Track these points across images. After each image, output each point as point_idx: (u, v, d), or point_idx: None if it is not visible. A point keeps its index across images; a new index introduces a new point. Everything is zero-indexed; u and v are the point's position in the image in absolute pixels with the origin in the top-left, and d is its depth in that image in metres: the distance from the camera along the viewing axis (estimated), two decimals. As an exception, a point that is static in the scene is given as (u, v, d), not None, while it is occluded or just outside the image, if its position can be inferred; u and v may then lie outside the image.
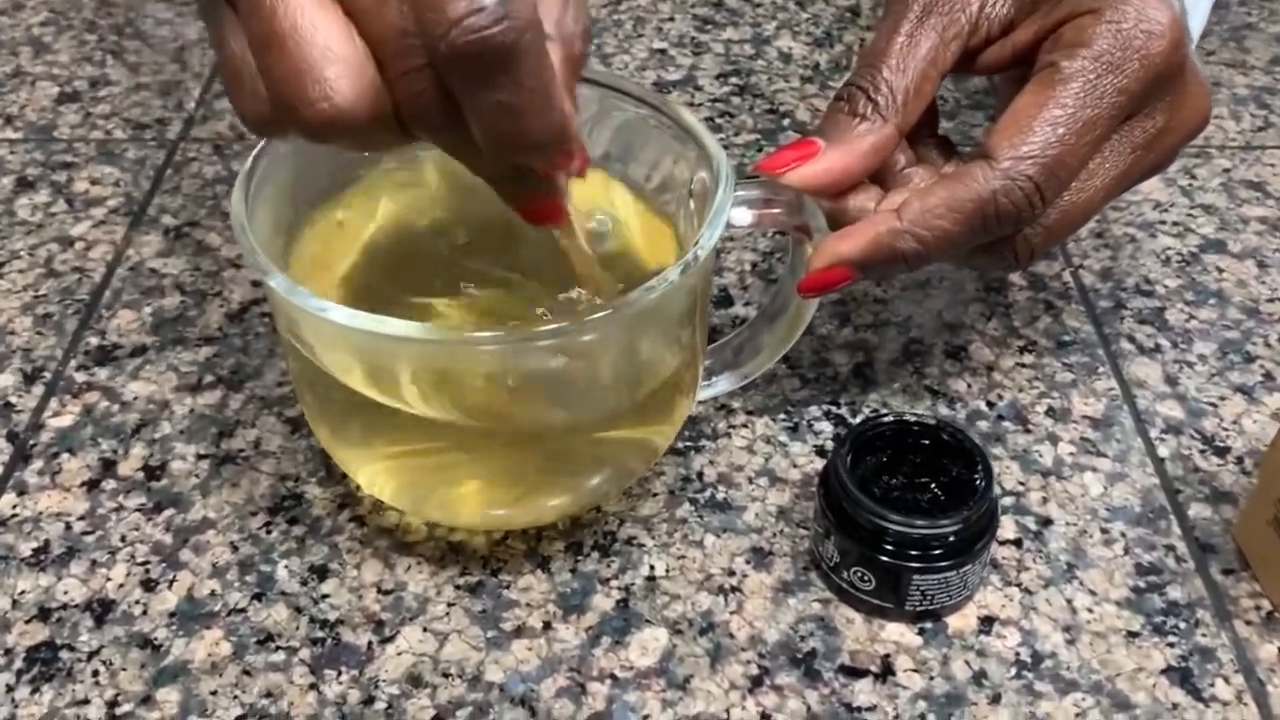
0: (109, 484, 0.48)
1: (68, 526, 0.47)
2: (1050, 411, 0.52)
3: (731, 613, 0.44)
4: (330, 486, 0.48)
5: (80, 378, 0.53)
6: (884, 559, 0.42)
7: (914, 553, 0.42)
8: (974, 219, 0.42)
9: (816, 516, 0.44)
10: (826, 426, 0.51)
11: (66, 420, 0.51)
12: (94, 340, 0.55)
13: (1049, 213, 0.44)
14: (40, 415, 0.51)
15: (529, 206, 0.37)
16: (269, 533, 0.47)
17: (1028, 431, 0.51)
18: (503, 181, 0.36)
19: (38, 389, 0.52)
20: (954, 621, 0.44)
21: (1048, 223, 0.44)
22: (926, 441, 0.45)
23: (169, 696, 0.41)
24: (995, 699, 0.41)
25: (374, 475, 0.44)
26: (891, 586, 0.43)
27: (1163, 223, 0.62)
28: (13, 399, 0.52)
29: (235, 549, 0.46)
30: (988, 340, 0.55)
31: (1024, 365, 0.54)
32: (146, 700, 0.41)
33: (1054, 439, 0.50)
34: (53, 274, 0.58)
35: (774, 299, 0.48)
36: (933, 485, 0.44)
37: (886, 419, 0.45)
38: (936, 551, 0.42)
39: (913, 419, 0.45)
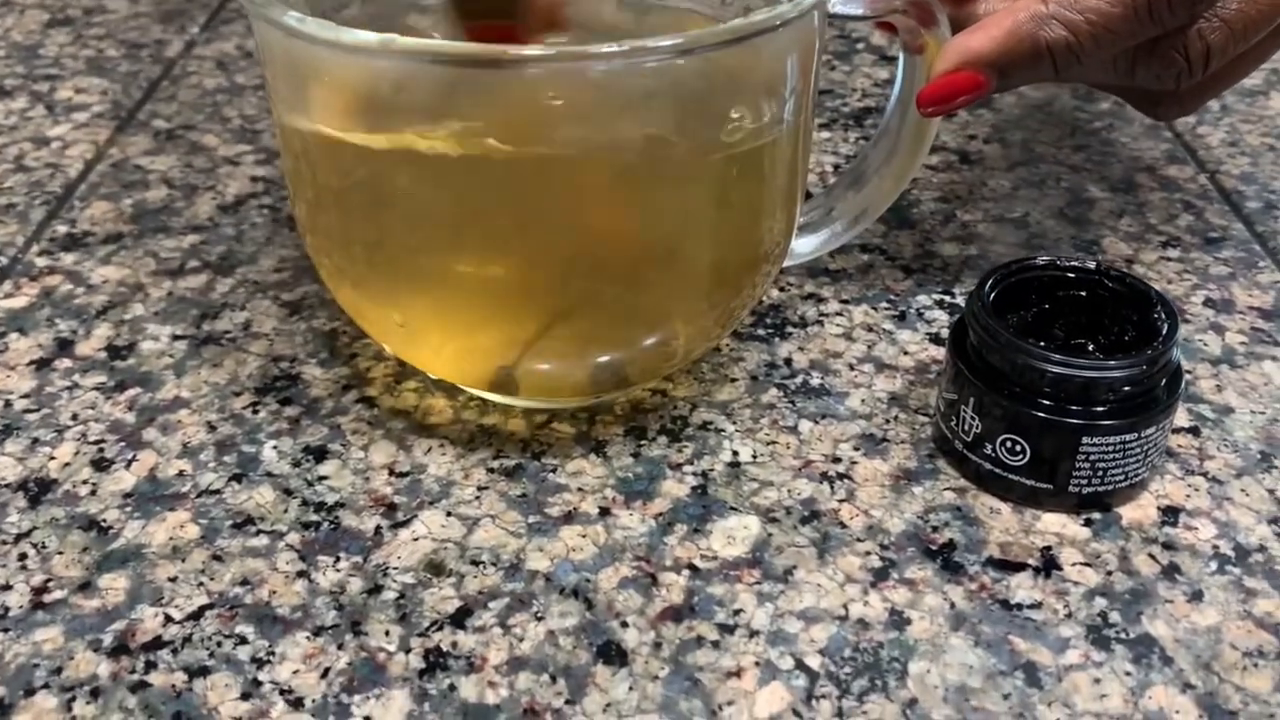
0: (63, 363, 0.39)
1: (6, 404, 0.38)
2: (1209, 303, 0.42)
3: (840, 501, 0.34)
4: (334, 367, 0.39)
5: (41, 262, 0.44)
6: (1041, 416, 0.33)
7: (1079, 407, 0.32)
8: None
9: (946, 383, 0.35)
10: (940, 315, 0.42)
11: (19, 302, 0.42)
12: (62, 229, 0.46)
13: (1229, 1, 0.35)
14: (-11, 298, 0.42)
15: None
16: (255, 413, 0.37)
17: (1186, 321, 0.42)
18: None
19: (-11, 273, 0.44)
20: (1127, 512, 0.34)
21: (1227, 13, 0.35)
22: (1084, 293, 0.36)
23: (114, 583, 0.32)
24: (1196, 595, 0.31)
25: (392, 316, 0.35)
26: (1050, 457, 0.33)
27: (1304, 135, 0.53)
28: (-42, 282, 0.43)
29: (212, 428, 0.37)
30: (1121, 235, 0.46)
31: (1169, 259, 0.45)
32: (85, 587, 0.32)
33: (1219, 329, 0.41)
34: (22, 169, 0.50)
35: (884, 124, 0.39)
36: (1094, 345, 0.35)
37: (1036, 261, 0.36)
38: (1109, 405, 0.32)
39: (1069, 262, 0.36)
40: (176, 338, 0.41)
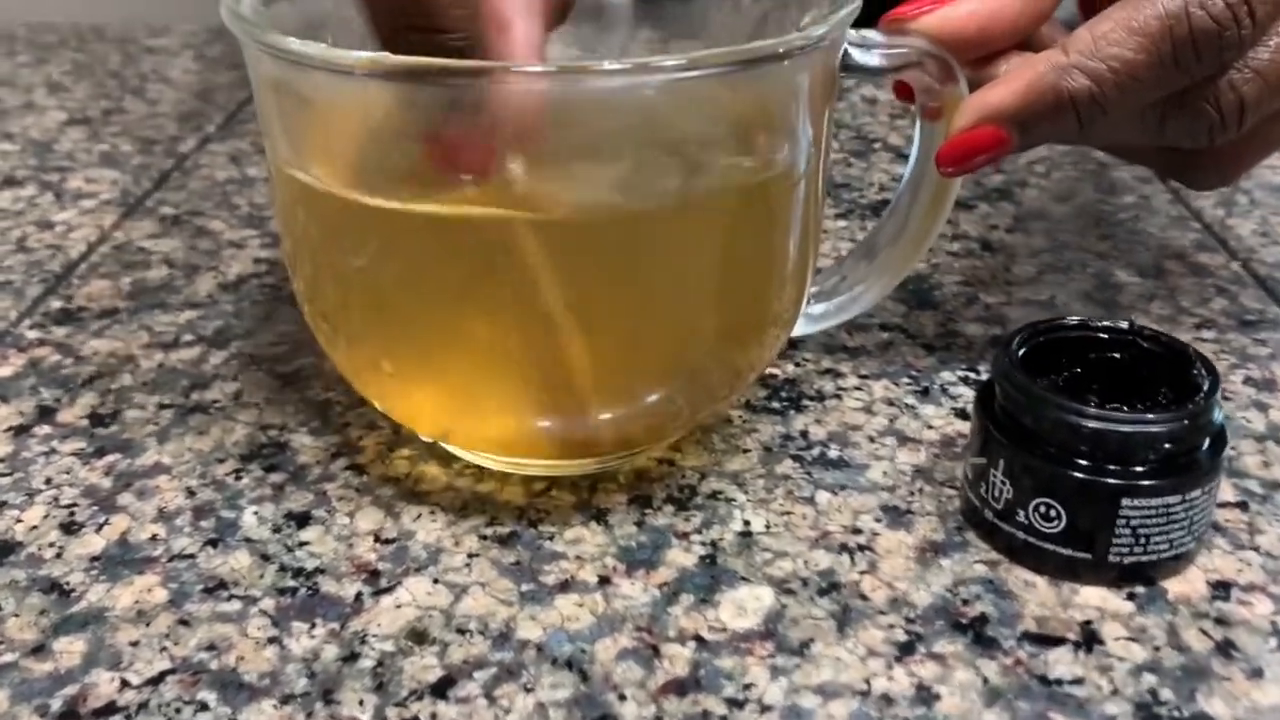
0: (42, 429, 0.38)
1: (-21, 468, 0.36)
2: (1250, 381, 0.40)
3: (862, 573, 0.32)
4: (325, 435, 0.37)
5: (32, 335, 0.43)
6: (1077, 477, 0.30)
7: (1118, 467, 0.30)
8: (1161, 42, 0.33)
9: (973, 449, 0.33)
10: (965, 391, 0.40)
11: (4, 371, 0.41)
12: (57, 304, 0.45)
13: (1260, 51, 0.34)
14: (-26, 368, 0.41)
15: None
16: (238, 479, 0.35)
17: (1227, 399, 0.39)
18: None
19: (-23, 345, 0.42)
20: (1173, 586, 0.31)
21: (1260, 62, 0.34)
22: (1117, 354, 0.34)
23: (70, 647, 0.29)
24: (1256, 673, 0.28)
25: (382, 365, 0.33)
26: (1088, 524, 0.30)
27: (1339, 227, 0.52)
28: (-55, 353, 0.42)
29: (191, 494, 0.35)
30: (1153, 318, 0.44)
31: (1204, 340, 0.43)
32: (39, 650, 0.29)
33: (1261, 406, 0.39)
34: (23, 250, 0.49)
35: (900, 192, 0.38)
36: (1130, 410, 0.33)
37: (1066, 321, 0.34)
38: (1150, 464, 0.30)
39: (1100, 323, 0.34)
40: (163, 406, 0.39)
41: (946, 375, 0.41)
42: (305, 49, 0.28)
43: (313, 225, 0.32)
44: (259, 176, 0.56)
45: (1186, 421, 0.30)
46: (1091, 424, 0.30)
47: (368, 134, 0.32)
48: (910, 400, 0.39)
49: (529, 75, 0.28)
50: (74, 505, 0.34)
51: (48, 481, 0.35)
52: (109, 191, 0.55)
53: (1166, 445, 0.30)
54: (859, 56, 0.34)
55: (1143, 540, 0.31)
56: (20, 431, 0.37)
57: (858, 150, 0.60)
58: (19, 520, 0.34)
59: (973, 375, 0.41)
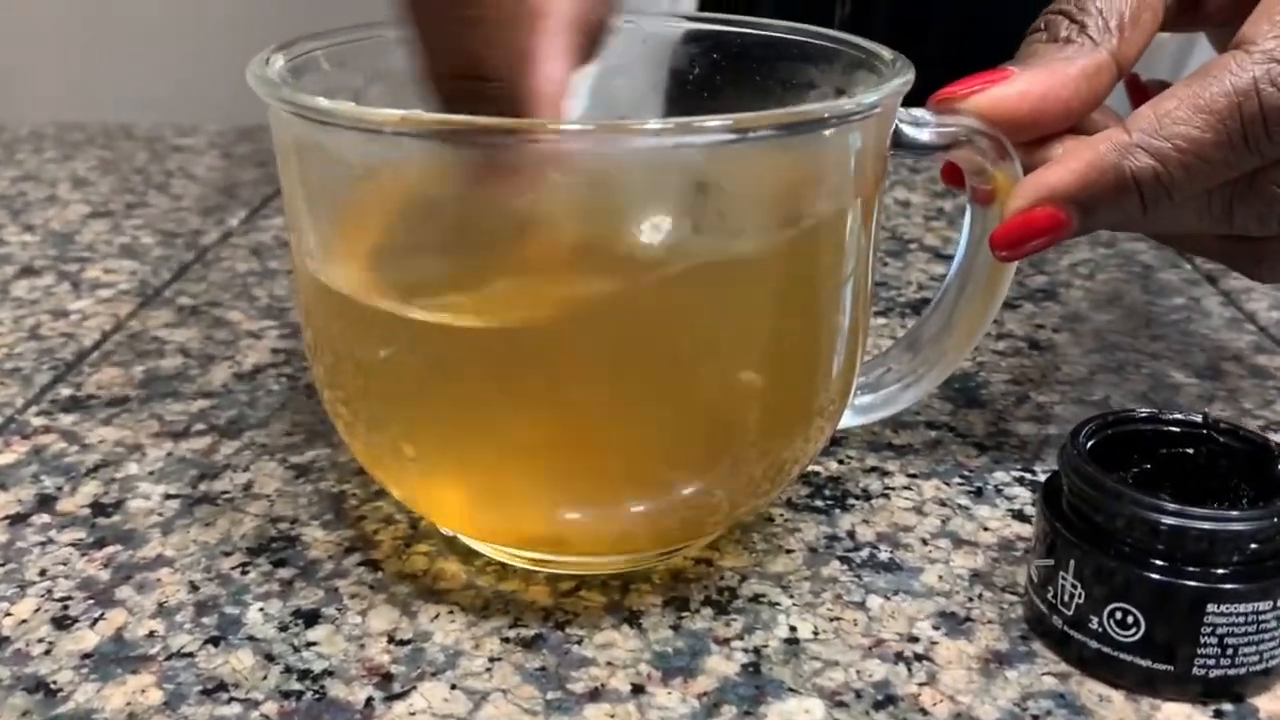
0: (40, 519, 0.35)
1: (-30, 558, 0.34)
2: (1326, 486, 0.38)
3: (920, 684, 0.29)
4: (338, 529, 0.35)
5: (38, 422, 0.41)
6: (1155, 579, 0.28)
7: (1199, 569, 0.27)
8: (1229, 120, 0.31)
9: (1039, 551, 0.30)
10: (1022, 492, 0.37)
11: (6, 459, 0.39)
12: (66, 392, 0.43)
13: (1336, 128, 0.32)
14: (-26, 455, 0.39)
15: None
16: (244, 573, 0.33)
17: (1303, 504, 0.37)
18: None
19: (-20, 431, 0.40)
20: (1264, 704, 0.28)
21: (1337, 143, 0.32)
22: (1191, 450, 0.31)
23: (52, 752, 0.27)
24: (1369, 804, 0.25)
25: (408, 462, 0.31)
26: (1168, 632, 0.28)
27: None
28: (-55, 440, 0.40)
29: (195, 588, 0.32)
30: (1216, 419, 0.42)
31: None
32: (17, 756, 0.27)
33: (1342, 512, 0.36)
34: (35, 338, 0.48)
35: (950, 279, 0.36)
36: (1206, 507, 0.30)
37: (1136, 414, 0.32)
38: (1235, 567, 0.27)
39: (1172, 415, 0.32)
40: (169, 497, 0.37)
41: (1000, 475, 0.38)
42: (334, 107, 0.26)
43: (334, 322, 0.31)
44: (281, 269, 0.55)
45: (1276, 520, 0.27)
46: (1170, 520, 0.28)
47: (398, 211, 0.30)
48: (963, 501, 0.37)
49: (564, 134, 0.26)
50: (68, 598, 0.32)
51: (42, 573, 0.33)
52: (127, 282, 0.53)
53: (1253, 545, 0.27)
54: (910, 132, 0.32)
55: (1229, 651, 0.28)
56: (17, 520, 0.35)
57: (893, 250, 0.59)
58: (8, 614, 0.31)
59: (1028, 475, 0.38)
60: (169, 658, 0.30)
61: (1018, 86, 0.33)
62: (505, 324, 0.28)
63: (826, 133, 0.28)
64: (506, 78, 0.27)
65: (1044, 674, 0.29)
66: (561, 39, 0.28)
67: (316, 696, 0.28)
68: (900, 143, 0.32)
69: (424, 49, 0.28)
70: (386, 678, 0.29)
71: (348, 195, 0.30)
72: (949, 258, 0.48)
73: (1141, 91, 0.39)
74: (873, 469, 0.38)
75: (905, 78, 0.30)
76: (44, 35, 1.15)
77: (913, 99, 0.32)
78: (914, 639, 0.31)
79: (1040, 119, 0.33)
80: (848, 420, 0.36)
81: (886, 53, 0.33)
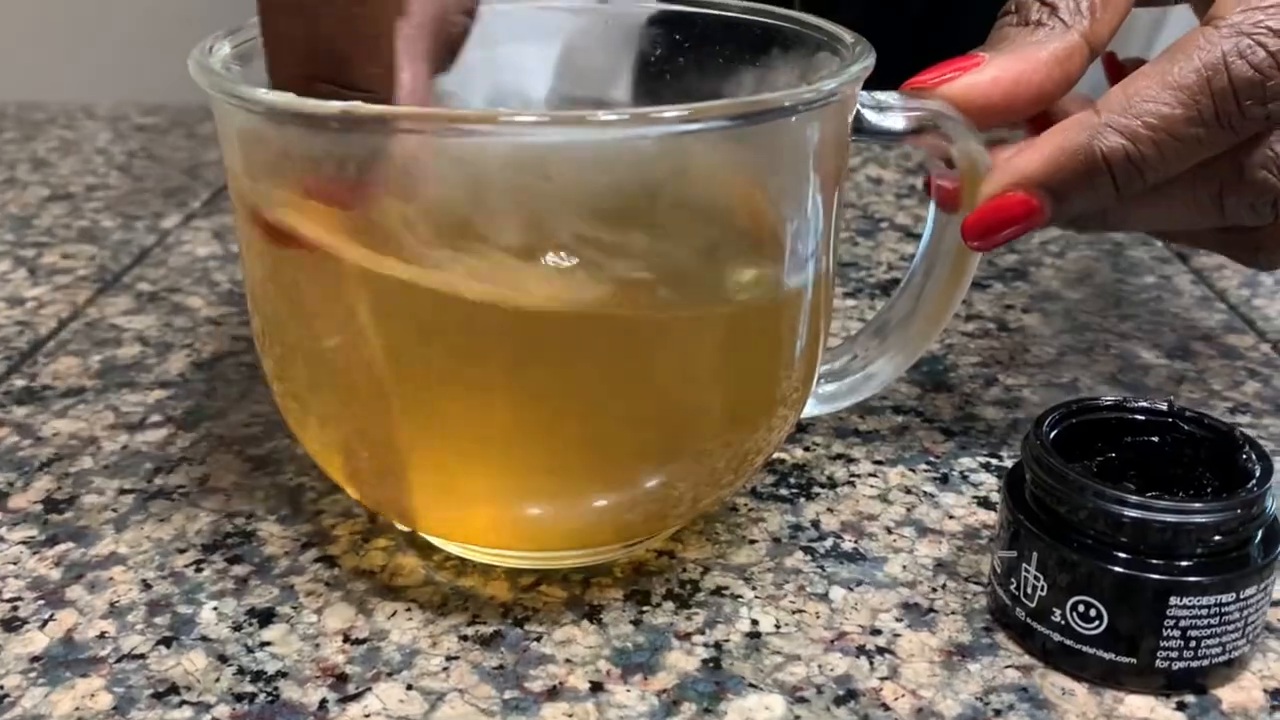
0: (-9, 516, 0.35)
1: (-83, 558, 0.33)
2: (1293, 469, 0.37)
3: (882, 679, 0.29)
4: (295, 524, 0.34)
5: (-11, 415, 0.40)
6: (1118, 572, 0.27)
7: (1162, 561, 0.27)
8: (1199, 95, 0.31)
9: (1002, 542, 0.30)
10: (988, 478, 0.37)
11: (-43, 453, 0.38)
12: (19, 383, 0.42)
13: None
14: (-75, 450, 0.38)
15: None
16: (198, 571, 0.32)
17: (1269, 488, 0.36)
18: None
19: (-69, 425, 0.39)
20: (1227, 695, 0.28)
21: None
22: (1156, 439, 0.31)
23: (-2, 761, 0.26)
24: (1329, 797, 0.25)
25: (361, 460, 0.30)
26: (1131, 625, 0.28)
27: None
28: (-105, 434, 0.39)
29: (148, 587, 0.32)
30: (1184, 401, 0.41)
31: (1240, 425, 0.40)
32: (-39, 765, 0.26)
33: (1309, 496, 0.36)
34: (-11, 327, 0.47)
35: (915, 266, 0.35)
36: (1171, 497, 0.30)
37: (1100, 402, 0.31)
38: (1198, 559, 0.27)
39: (1137, 403, 0.31)
40: (124, 491, 0.36)
41: (967, 461, 0.38)
42: (276, 99, 0.25)
43: (283, 301, 0.30)
44: (243, 253, 0.54)
45: (1239, 511, 0.27)
46: (1134, 513, 0.27)
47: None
48: (929, 488, 0.36)
49: (546, 125, 0.26)
50: (17, 599, 0.31)
51: (-9, 573, 0.32)
52: (85, 267, 0.52)
53: (1216, 537, 0.27)
54: (873, 118, 0.31)
55: (1193, 643, 0.28)
56: (-34, 518, 0.35)
57: (864, 229, 0.58)
58: (-45, 616, 0.31)
59: (995, 461, 0.38)
60: (120, 660, 0.29)
61: (989, 73, 0.33)
62: (460, 311, 0.28)
63: (784, 120, 0.28)
64: (381, 90, 0.26)
65: (1007, 666, 0.29)
66: (420, 44, 0.28)
67: (269, 699, 0.28)
68: (863, 128, 0.31)
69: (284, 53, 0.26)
70: (341, 678, 0.29)
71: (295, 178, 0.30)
72: (920, 237, 0.48)
73: (1119, 70, 0.39)
74: (838, 456, 0.38)
75: (865, 62, 0.30)
76: (4, 13, 1.12)
77: (891, 81, 0.32)
78: (876, 631, 0.30)
79: (1013, 105, 0.33)
80: (812, 409, 0.36)
81: (848, 35, 0.32)
